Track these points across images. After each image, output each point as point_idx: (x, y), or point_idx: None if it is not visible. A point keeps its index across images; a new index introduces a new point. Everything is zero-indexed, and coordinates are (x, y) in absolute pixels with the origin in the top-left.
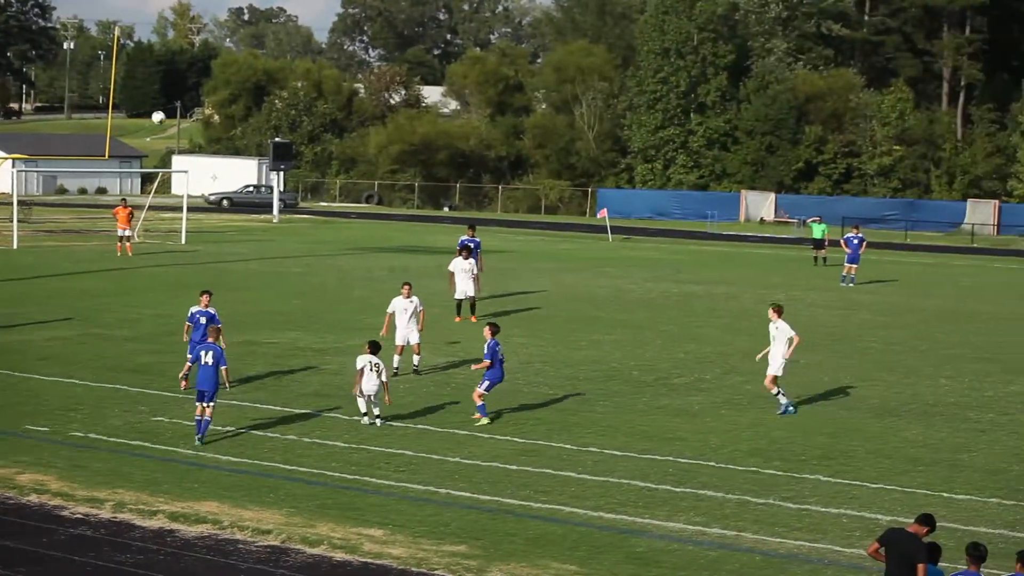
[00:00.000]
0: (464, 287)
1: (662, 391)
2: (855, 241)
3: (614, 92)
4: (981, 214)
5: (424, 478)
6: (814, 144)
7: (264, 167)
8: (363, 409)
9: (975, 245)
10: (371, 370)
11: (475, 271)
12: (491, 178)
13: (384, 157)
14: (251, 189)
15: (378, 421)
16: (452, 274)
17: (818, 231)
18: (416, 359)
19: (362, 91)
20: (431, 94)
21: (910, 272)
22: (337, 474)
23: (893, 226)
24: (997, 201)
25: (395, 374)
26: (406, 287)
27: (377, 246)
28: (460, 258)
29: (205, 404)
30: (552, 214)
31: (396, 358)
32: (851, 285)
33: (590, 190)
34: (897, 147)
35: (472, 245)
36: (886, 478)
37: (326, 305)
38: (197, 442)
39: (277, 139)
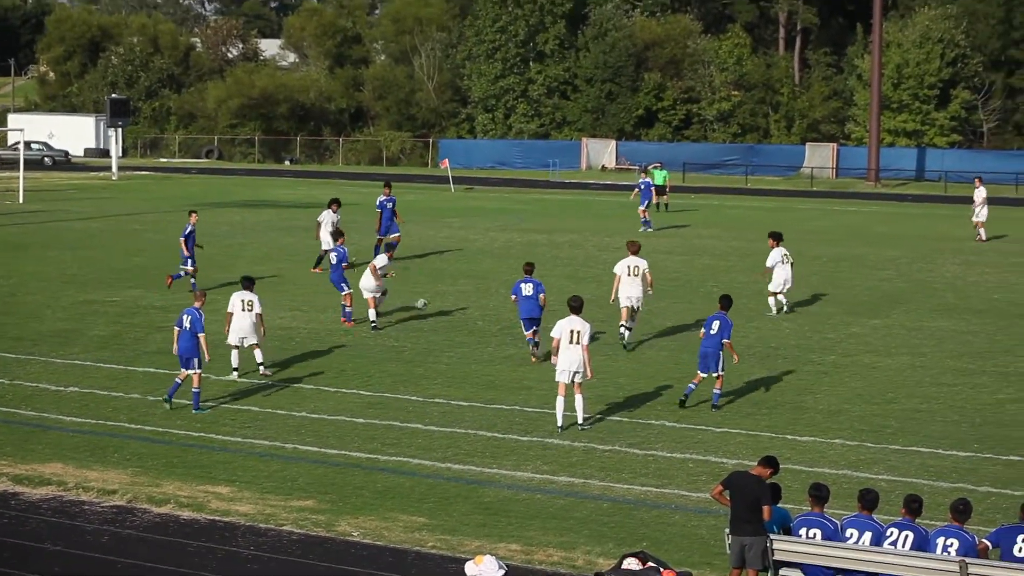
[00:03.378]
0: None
1: (507, 341)
2: (643, 186)
3: (453, 42)
4: (820, 157)
5: (270, 433)
6: (653, 91)
7: (102, 124)
8: (234, 363)
9: (815, 188)
10: (244, 309)
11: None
12: (332, 131)
13: (223, 112)
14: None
15: (261, 369)
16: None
17: (659, 177)
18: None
19: (199, 45)
20: (269, 47)
21: (751, 217)
22: (182, 432)
23: (733, 171)
24: (835, 144)
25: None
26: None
27: (219, 201)
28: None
29: (190, 371)
30: (394, 166)
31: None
32: (644, 230)
33: (431, 141)
34: (735, 92)
35: (390, 205)
36: (730, 422)
37: (168, 263)
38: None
39: (114, 95)
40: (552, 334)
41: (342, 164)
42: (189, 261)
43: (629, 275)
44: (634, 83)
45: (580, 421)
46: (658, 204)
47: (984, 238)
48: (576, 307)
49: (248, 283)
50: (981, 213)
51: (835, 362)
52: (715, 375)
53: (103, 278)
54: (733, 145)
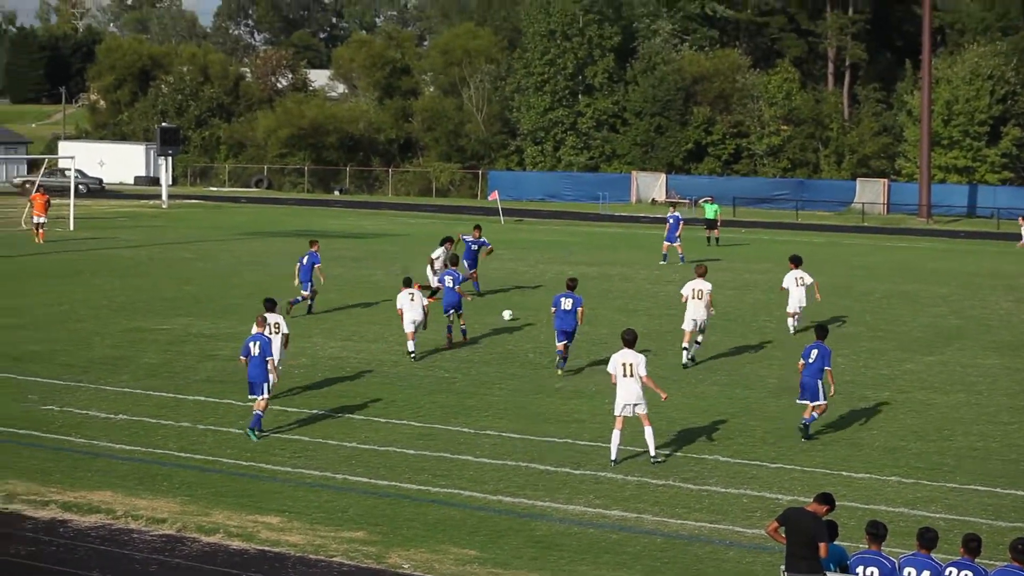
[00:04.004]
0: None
1: (556, 375)
2: (672, 220)
3: (501, 74)
4: (871, 193)
5: (320, 464)
6: (703, 125)
7: (152, 152)
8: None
9: (865, 224)
10: (271, 332)
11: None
12: (381, 161)
13: (273, 141)
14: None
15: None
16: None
17: (710, 211)
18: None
19: (248, 75)
20: (318, 78)
21: (801, 251)
22: (232, 461)
23: (783, 206)
24: (886, 180)
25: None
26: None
27: (268, 230)
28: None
29: (259, 397)
30: (443, 197)
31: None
32: (680, 263)
33: (480, 172)
34: (785, 127)
35: (476, 247)
36: (785, 457)
37: (217, 290)
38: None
39: (164, 124)
40: (608, 369)
41: (391, 195)
42: (307, 285)
43: (693, 297)
44: (683, 117)
45: (652, 454)
46: (709, 238)
47: None
48: (629, 340)
49: (271, 304)
50: None
51: (890, 398)
52: (816, 405)
53: (153, 306)
54: (783, 180)
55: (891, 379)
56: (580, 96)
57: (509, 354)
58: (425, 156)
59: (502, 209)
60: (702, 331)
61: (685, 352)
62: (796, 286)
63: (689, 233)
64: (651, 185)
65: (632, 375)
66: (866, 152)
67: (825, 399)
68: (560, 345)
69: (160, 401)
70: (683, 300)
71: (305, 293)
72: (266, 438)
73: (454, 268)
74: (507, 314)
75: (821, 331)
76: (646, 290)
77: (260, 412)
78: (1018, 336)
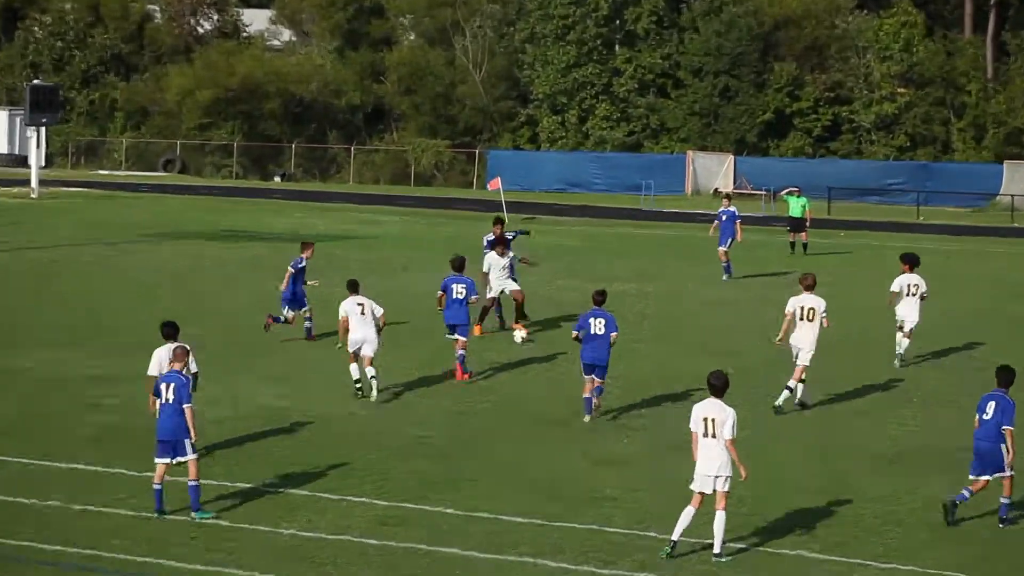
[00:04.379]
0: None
1: (580, 428)
2: (724, 217)
3: (509, 18)
4: (1023, 181)
5: (247, 559)
6: (787, 87)
7: (18, 121)
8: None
9: (1016, 225)
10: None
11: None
12: (340, 136)
13: (190, 107)
14: None
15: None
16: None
17: (796, 207)
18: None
19: (158, 15)
20: (255, 20)
21: (928, 262)
22: (122, 556)
23: (900, 200)
24: None
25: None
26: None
27: (180, 231)
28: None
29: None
30: (426, 186)
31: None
32: (726, 278)
33: (477, 152)
34: (903, 90)
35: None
36: (897, 554)
37: (108, 316)
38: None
39: (36, 82)
40: (691, 426)
41: (353, 183)
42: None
43: (802, 318)
44: (760, 76)
45: (716, 550)
46: (794, 243)
47: None
48: (718, 387)
49: (173, 330)
50: None
51: None
52: (999, 477)
53: (10, 336)
54: (899, 163)
55: None
56: (617, 48)
57: (512, 399)
58: (401, 130)
59: (506, 203)
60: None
61: (787, 392)
62: (908, 295)
63: (768, 237)
64: (713, 171)
65: (715, 435)
66: (1019, 124)
67: (1011, 469)
68: (588, 384)
69: (18, 471)
70: (785, 323)
71: (289, 314)
72: (165, 520)
73: (460, 274)
74: (520, 335)
75: (1005, 376)
76: (696, 315)
77: (195, 482)
78: None
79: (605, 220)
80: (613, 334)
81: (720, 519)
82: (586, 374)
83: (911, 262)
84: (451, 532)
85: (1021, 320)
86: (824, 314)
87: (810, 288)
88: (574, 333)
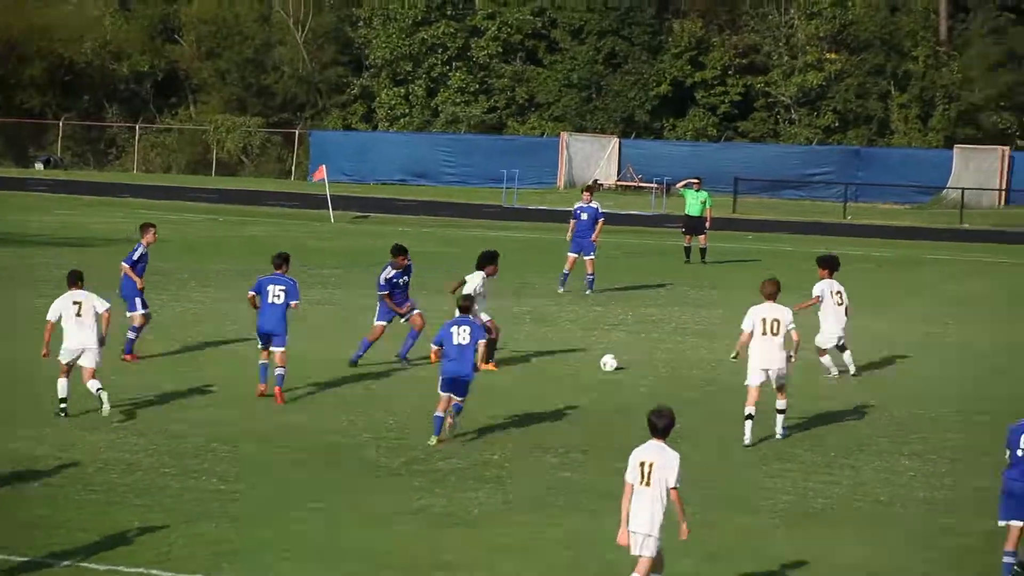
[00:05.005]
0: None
1: (421, 478)
2: (583, 215)
3: None
4: (978, 172)
5: None
6: (688, 52)
7: None
8: None
9: (966, 226)
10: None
11: None
12: (122, 112)
13: None
14: None
15: None
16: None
17: (694, 203)
18: None
19: None
20: None
21: (859, 274)
22: None
23: (825, 194)
24: (1005, 149)
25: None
26: None
27: None
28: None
29: None
30: (231, 176)
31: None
32: (589, 292)
33: (298, 133)
34: (833, 56)
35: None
36: None
37: None
38: None
39: None
40: (626, 476)
41: (138, 171)
42: (138, 302)
43: (764, 333)
44: (655, 39)
45: None
46: (689, 248)
47: None
48: (662, 429)
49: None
50: None
51: None
52: None
53: None
54: (824, 148)
55: None
56: (477, 1)
57: (327, 443)
58: (201, 104)
59: (331, 197)
60: (780, 388)
61: (750, 423)
62: (834, 303)
63: (658, 241)
64: (594, 157)
65: (651, 484)
66: (975, 101)
67: None
68: (443, 402)
69: None
70: (742, 339)
71: (138, 314)
72: None
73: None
74: (609, 362)
75: None
76: (574, 338)
77: None
78: None
79: (457, 220)
80: (481, 342)
81: None
82: (443, 390)
83: (830, 266)
84: None
85: (965, 344)
86: (792, 326)
87: (772, 296)
88: (434, 348)
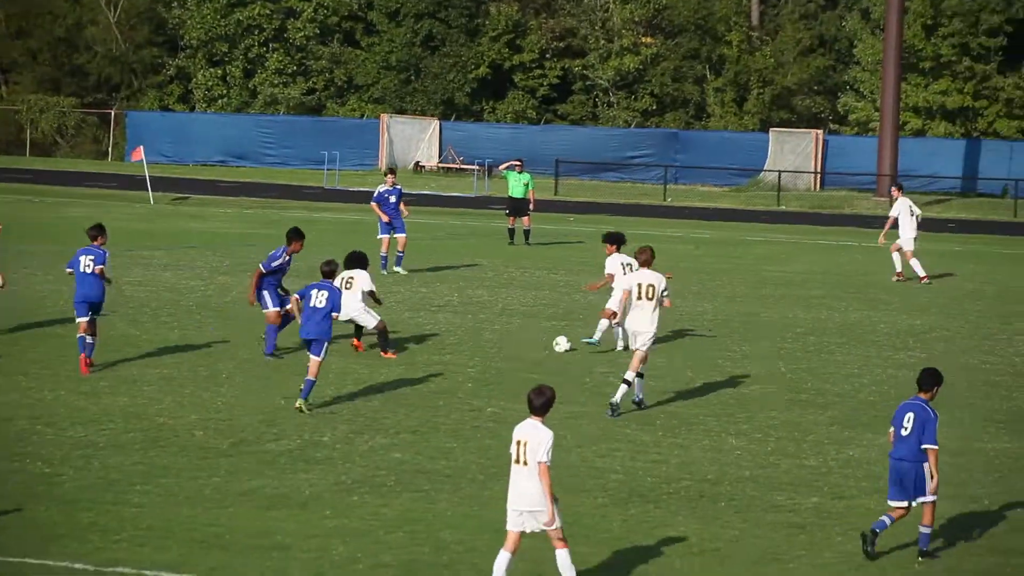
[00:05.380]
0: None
1: (247, 457)
2: (391, 198)
3: None
4: (793, 155)
5: None
6: (506, 35)
7: None
8: None
9: (783, 208)
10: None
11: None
12: None
13: None
14: None
15: None
16: None
17: (517, 185)
18: None
19: None
20: None
21: (671, 255)
22: None
23: (645, 176)
24: (818, 133)
25: None
26: None
27: None
28: None
29: None
30: (46, 156)
31: None
32: (398, 270)
33: (114, 114)
34: (648, 40)
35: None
36: None
37: None
38: None
39: None
40: (510, 451)
41: None
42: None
43: (640, 298)
44: (473, 22)
45: None
46: (512, 230)
47: None
48: (539, 406)
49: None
50: None
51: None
52: (920, 502)
53: None
54: (643, 131)
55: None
56: None
57: (156, 431)
58: (13, 84)
59: (150, 179)
60: (643, 355)
61: (625, 387)
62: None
63: (482, 223)
64: (414, 139)
65: (527, 463)
66: (788, 84)
67: (933, 493)
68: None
69: None
70: (620, 302)
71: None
72: None
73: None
74: (562, 343)
75: (928, 380)
76: (409, 323)
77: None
78: None
79: (276, 201)
80: (335, 314)
81: (563, 558)
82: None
83: (616, 241)
84: None
85: (788, 326)
86: (666, 292)
87: (647, 263)
88: (294, 297)
